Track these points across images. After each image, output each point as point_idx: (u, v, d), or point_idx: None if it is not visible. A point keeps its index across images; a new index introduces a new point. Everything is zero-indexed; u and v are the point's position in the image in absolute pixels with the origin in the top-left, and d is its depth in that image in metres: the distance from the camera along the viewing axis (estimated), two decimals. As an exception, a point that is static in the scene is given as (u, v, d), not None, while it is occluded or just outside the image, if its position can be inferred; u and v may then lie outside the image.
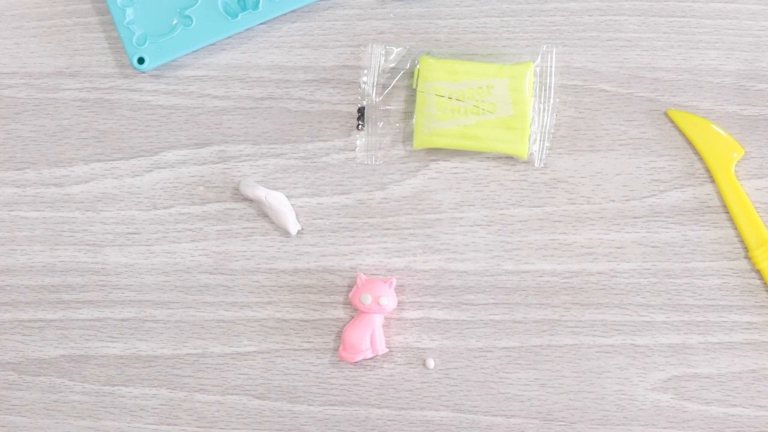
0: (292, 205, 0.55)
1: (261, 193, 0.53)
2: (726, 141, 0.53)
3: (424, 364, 0.54)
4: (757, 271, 0.53)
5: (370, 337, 0.53)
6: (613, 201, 0.54)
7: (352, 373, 0.55)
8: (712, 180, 0.54)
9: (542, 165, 0.54)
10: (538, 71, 0.54)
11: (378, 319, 0.53)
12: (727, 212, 0.54)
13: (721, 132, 0.53)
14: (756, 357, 0.54)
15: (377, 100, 0.55)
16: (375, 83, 0.54)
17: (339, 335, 0.55)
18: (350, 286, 0.55)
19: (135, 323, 0.55)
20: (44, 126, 0.56)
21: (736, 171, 0.54)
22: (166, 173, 0.55)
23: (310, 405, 0.55)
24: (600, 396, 0.54)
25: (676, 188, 0.54)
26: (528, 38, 0.55)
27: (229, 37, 0.55)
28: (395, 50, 0.55)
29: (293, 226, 0.54)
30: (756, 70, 0.54)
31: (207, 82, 0.55)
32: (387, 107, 0.55)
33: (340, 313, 0.55)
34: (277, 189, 0.55)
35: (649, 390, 0.54)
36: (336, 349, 0.55)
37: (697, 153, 0.54)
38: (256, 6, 0.54)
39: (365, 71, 0.54)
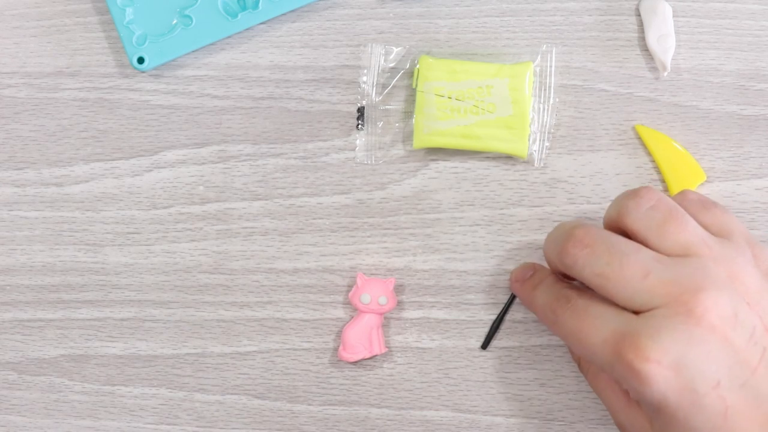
0: (292, 204, 0.55)
1: None
2: (689, 164, 0.53)
3: None
4: None
5: (369, 337, 0.53)
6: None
7: (352, 373, 0.55)
8: (712, 180, 0.54)
9: (542, 165, 0.54)
10: (537, 71, 0.54)
11: (378, 319, 0.53)
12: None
13: (685, 154, 0.53)
14: (756, 357, 0.54)
15: (377, 99, 0.55)
16: (375, 83, 0.54)
17: (339, 335, 0.55)
18: (350, 286, 0.55)
19: (135, 323, 0.55)
20: (44, 126, 0.56)
21: (735, 170, 0.54)
22: (166, 173, 0.55)
23: (309, 405, 0.55)
24: (600, 396, 0.54)
25: (676, 188, 0.54)
26: (528, 38, 0.55)
27: (229, 37, 0.55)
28: (395, 50, 0.55)
29: None
30: (756, 70, 0.54)
31: (207, 81, 0.56)
32: (387, 107, 0.55)
33: (340, 313, 0.55)
34: (277, 189, 0.55)
35: (649, 390, 0.54)
36: (336, 349, 0.55)
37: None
38: (256, 6, 0.54)
39: (365, 71, 0.55)
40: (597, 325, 0.44)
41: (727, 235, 0.46)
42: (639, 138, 0.54)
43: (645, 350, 0.41)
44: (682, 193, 0.48)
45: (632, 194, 0.46)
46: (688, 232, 0.44)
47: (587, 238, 0.45)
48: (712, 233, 0.46)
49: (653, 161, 0.54)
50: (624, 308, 0.44)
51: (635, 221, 0.45)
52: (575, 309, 0.45)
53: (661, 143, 0.53)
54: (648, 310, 0.43)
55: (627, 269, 0.43)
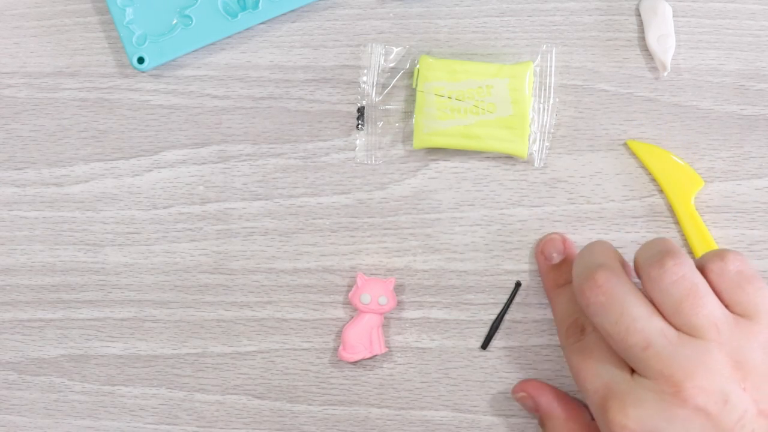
0: (292, 204, 0.55)
1: None
2: (686, 172, 0.53)
3: None
4: None
5: (369, 337, 0.53)
6: (613, 201, 0.54)
7: (352, 373, 0.55)
8: (712, 180, 0.54)
9: (542, 165, 0.54)
10: (537, 71, 0.54)
11: (377, 319, 0.53)
12: (728, 212, 0.54)
13: (681, 163, 0.53)
14: (756, 357, 0.54)
15: (377, 99, 0.55)
16: (375, 83, 0.54)
17: (339, 335, 0.55)
18: (350, 286, 0.55)
19: (135, 323, 0.55)
20: (44, 126, 0.56)
21: (735, 170, 0.54)
22: (166, 173, 0.55)
23: (309, 405, 0.55)
24: (600, 396, 0.54)
25: (676, 188, 0.54)
26: (528, 38, 0.55)
27: (229, 37, 0.55)
28: (395, 50, 0.55)
29: None
30: (756, 70, 0.54)
31: (207, 81, 0.55)
32: (387, 107, 0.55)
33: (340, 313, 0.55)
34: (277, 189, 0.55)
35: (649, 390, 0.54)
36: (336, 349, 0.55)
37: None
38: (256, 6, 0.54)
39: (365, 71, 0.55)
40: (595, 372, 0.46)
41: (751, 315, 0.45)
42: (639, 138, 0.54)
43: (625, 416, 0.43)
44: (724, 261, 0.46)
45: (658, 263, 0.45)
46: (702, 314, 0.44)
47: (606, 285, 0.46)
48: (736, 312, 0.45)
49: (653, 161, 0.54)
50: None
51: (654, 292, 0.45)
52: (583, 346, 0.47)
53: (654, 156, 0.53)
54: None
55: (630, 337, 0.44)
